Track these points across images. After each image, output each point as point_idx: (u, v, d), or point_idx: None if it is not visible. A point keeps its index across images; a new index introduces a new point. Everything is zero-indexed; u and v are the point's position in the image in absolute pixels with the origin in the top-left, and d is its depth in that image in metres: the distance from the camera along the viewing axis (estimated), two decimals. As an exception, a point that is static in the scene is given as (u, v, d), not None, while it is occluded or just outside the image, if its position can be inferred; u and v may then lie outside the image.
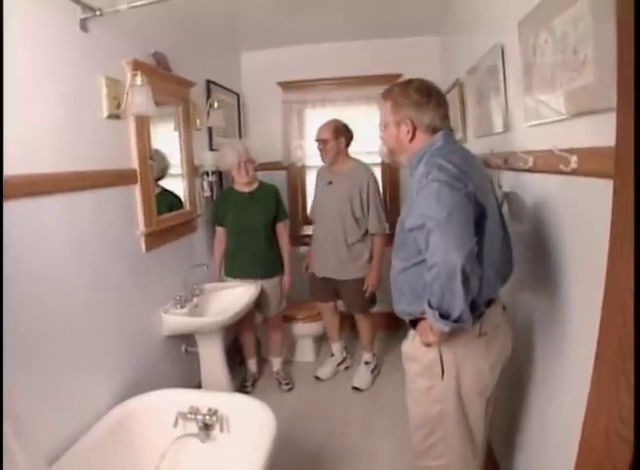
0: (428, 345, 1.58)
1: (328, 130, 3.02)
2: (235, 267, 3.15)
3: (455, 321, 1.38)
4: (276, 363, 3.40)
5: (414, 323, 1.65)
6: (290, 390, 3.27)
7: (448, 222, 1.34)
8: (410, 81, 1.66)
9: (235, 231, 3.11)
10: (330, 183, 3.12)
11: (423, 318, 1.57)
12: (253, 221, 3.05)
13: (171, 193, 2.74)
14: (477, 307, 1.43)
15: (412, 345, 1.69)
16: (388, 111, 1.67)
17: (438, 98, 1.62)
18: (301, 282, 3.41)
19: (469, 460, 1.70)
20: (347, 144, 3.08)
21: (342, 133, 3.03)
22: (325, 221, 3.14)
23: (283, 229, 3.23)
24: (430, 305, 1.42)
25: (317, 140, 3.08)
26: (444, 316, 1.38)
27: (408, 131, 1.61)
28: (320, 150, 3.08)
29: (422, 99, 1.59)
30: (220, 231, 3.17)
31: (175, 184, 2.80)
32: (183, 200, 2.86)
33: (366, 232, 3.07)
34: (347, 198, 3.01)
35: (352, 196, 3.00)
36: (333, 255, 3.11)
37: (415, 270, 1.57)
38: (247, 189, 3.10)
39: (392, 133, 1.66)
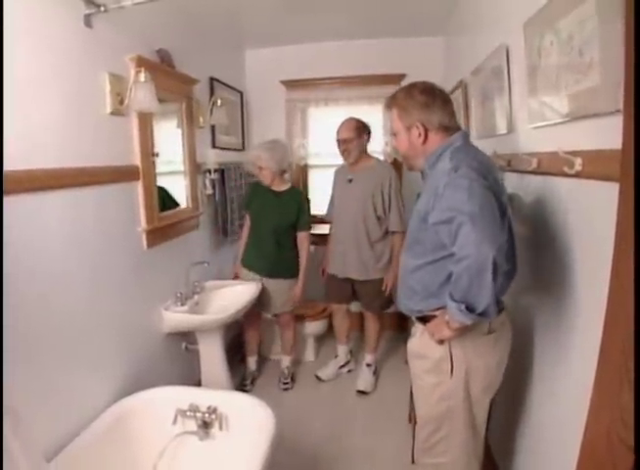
0: (440, 341, 1.58)
1: (350, 129, 2.95)
2: (248, 258, 3.19)
3: (480, 315, 1.38)
4: (285, 361, 3.40)
5: (423, 320, 1.66)
6: (286, 389, 3.27)
7: (481, 216, 1.35)
8: (413, 85, 1.66)
9: (254, 224, 3.15)
10: (350, 181, 3.06)
11: (433, 315, 1.58)
12: (270, 221, 3.05)
13: (162, 188, 2.67)
14: (499, 302, 1.42)
15: (420, 341, 1.69)
16: (395, 118, 1.66)
17: (443, 96, 1.63)
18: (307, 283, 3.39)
19: (470, 459, 1.71)
20: (367, 141, 3.03)
21: (363, 131, 2.98)
22: (345, 220, 3.07)
23: (304, 239, 3.15)
24: (453, 299, 1.42)
25: (339, 140, 3.00)
26: (469, 310, 1.38)
27: (420, 134, 1.60)
28: (343, 150, 3.00)
29: (428, 99, 1.59)
30: (248, 218, 3.23)
31: (177, 182, 2.80)
32: (185, 197, 2.86)
33: (386, 231, 3.03)
34: (369, 196, 2.94)
35: (374, 194, 2.94)
36: (355, 254, 3.04)
37: (429, 269, 1.58)
38: (274, 188, 3.09)
39: (404, 139, 1.66)
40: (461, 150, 1.54)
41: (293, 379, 3.36)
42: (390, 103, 1.68)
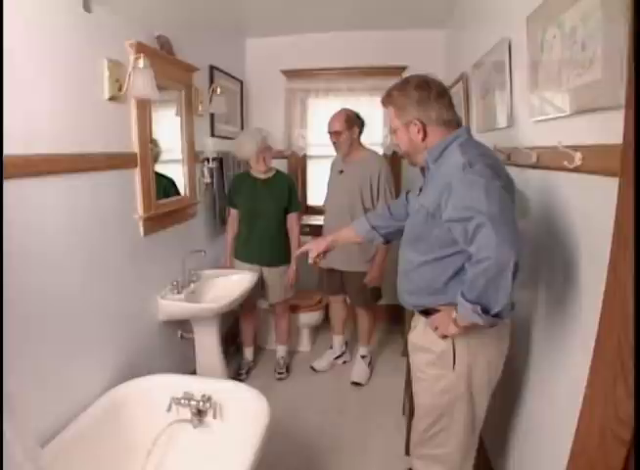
0: (444, 336, 1.57)
1: (340, 121, 2.93)
2: (242, 251, 3.17)
3: (494, 316, 1.37)
4: (280, 351, 3.42)
5: (425, 312, 1.66)
6: (280, 379, 3.28)
7: (501, 218, 1.33)
8: (406, 81, 1.63)
9: (246, 216, 3.13)
10: (341, 172, 3.06)
11: (437, 310, 1.58)
12: (264, 208, 3.06)
13: (165, 176, 2.68)
14: (511, 303, 1.42)
15: (423, 335, 1.69)
16: (392, 116, 1.64)
17: (438, 90, 1.58)
18: (302, 271, 3.39)
19: (469, 451, 1.72)
20: (360, 133, 3.01)
21: (354, 123, 2.95)
22: (335, 211, 3.07)
23: (294, 220, 3.19)
24: (466, 300, 1.40)
25: (329, 132, 2.99)
26: (483, 311, 1.37)
27: (419, 130, 1.58)
28: (333, 142, 3.00)
29: (423, 94, 1.56)
30: (234, 212, 3.20)
31: (175, 170, 2.79)
32: (183, 186, 2.85)
33: None
34: (358, 187, 2.94)
35: (363, 185, 2.93)
36: (340, 245, 3.04)
37: (436, 265, 1.57)
38: (262, 176, 3.09)
39: (404, 137, 1.63)
40: (470, 144, 1.53)
41: (288, 369, 3.37)
42: (386, 101, 1.66)
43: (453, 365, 1.59)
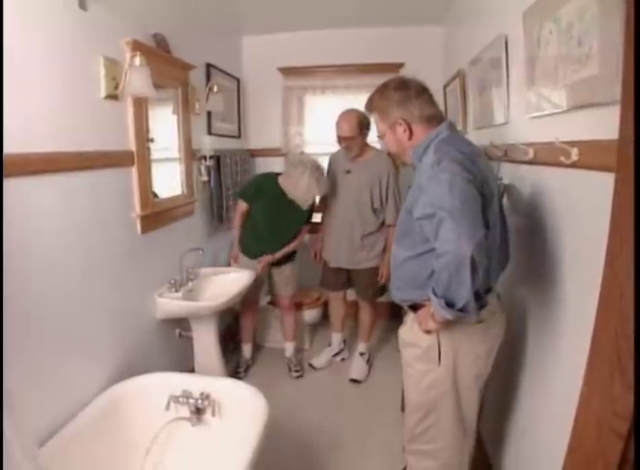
0: (427, 331, 1.59)
1: (352, 126, 2.87)
2: (252, 249, 3.14)
3: (460, 310, 1.38)
4: (289, 348, 3.42)
5: (414, 308, 1.67)
6: (299, 377, 3.29)
7: (460, 212, 1.34)
8: (385, 85, 1.68)
9: (263, 219, 3.05)
10: (348, 172, 3.03)
11: (423, 305, 1.59)
12: (286, 220, 3.04)
13: None
14: (480, 298, 1.43)
15: (411, 330, 1.70)
16: (378, 121, 1.69)
17: (417, 88, 1.63)
18: (301, 269, 3.40)
19: (462, 445, 1.73)
20: (368, 134, 2.98)
21: (365, 125, 2.90)
22: (341, 211, 3.08)
23: (305, 229, 3.22)
24: (435, 294, 1.42)
25: (339, 136, 2.95)
26: (449, 305, 1.38)
27: (405, 130, 1.61)
28: (344, 147, 2.96)
29: (402, 95, 1.61)
30: (243, 205, 3.09)
31: (172, 168, 2.78)
32: (180, 184, 2.84)
33: (381, 224, 3.04)
34: (367, 188, 2.95)
35: (372, 186, 2.94)
36: (346, 245, 3.08)
37: (419, 260, 1.58)
38: None
39: (391, 138, 1.68)
40: (446, 141, 1.54)
41: (301, 366, 3.38)
42: (369, 107, 1.72)
43: (439, 360, 1.60)
